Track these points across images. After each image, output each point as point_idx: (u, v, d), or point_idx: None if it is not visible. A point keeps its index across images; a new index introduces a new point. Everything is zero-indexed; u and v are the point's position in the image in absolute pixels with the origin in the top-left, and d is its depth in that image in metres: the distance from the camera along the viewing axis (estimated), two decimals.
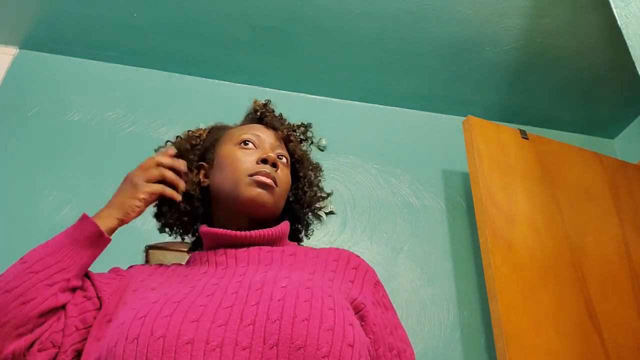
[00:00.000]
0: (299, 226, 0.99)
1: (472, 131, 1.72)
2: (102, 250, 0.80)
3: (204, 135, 0.99)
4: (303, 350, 0.58)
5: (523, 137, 1.83)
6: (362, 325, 0.71)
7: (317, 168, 1.01)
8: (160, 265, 0.86)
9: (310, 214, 1.00)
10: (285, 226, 0.88)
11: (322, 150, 1.99)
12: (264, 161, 0.86)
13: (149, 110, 1.94)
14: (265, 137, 0.92)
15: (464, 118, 1.78)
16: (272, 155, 0.87)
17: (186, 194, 0.89)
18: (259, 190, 0.83)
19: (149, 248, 1.52)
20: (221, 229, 0.84)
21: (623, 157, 2.18)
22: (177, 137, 1.00)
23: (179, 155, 0.93)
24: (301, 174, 0.98)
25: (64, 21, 1.87)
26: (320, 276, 0.76)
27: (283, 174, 0.89)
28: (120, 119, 1.91)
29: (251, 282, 0.68)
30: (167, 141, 1.00)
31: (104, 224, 0.78)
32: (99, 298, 0.76)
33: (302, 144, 1.01)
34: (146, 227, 1.64)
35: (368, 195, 1.93)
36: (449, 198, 1.98)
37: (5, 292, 0.69)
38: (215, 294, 0.67)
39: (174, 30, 1.89)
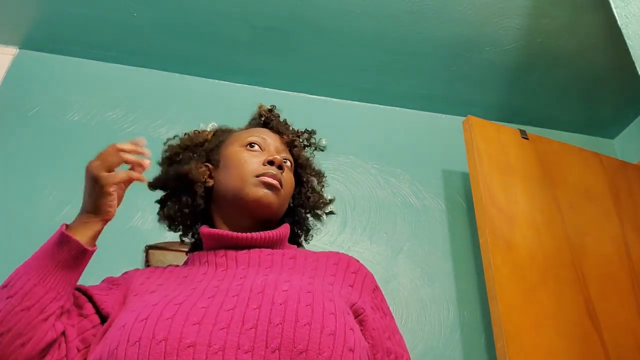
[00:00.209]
0: (299, 231, 1.00)
1: (472, 131, 1.72)
2: (89, 261, 0.76)
3: (209, 136, 0.99)
4: (305, 355, 0.58)
5: (523, 137, 1.83)
6: (360, 330, 0.71)
7: (320, 174, 1.03)
8: (156, 267, 0.86)
9: (310, 218, 1.01)
10: (285, 229, 0.88)
11: (322, 150, 1.98)
12: (271, 163, 0.87)
13: (149, 110, 1.94)
14: (271, 140, 0.93)
15: (464, 118, 1.78)
16: (279, 157, 0.88)
17: (191, 190, 0.89)
18: (265, 190, 0.84)
19: (149, 248, 1.53)
20: (222, 230, 0.84)
21: (623, 157, 2.18)
22: (185, 134, 1.01)
23: (185, 149, 0.94)
24: (304, 179, 0.99)
25: (64, 21, 1.87)
26: (320, 280, 0.76)
27: (288, 177, 0.90)
28: (120, 119, 1.91)
29: (252, 285, 0.68)
30: (175, 135, 1.01)
31: (86, 235, 0.74)
32: (99, 314, 0.74)
33: (305, 150, 1.02)
34: (146, 227, 1.64)
35: (368, 195, 1.93)
36: (449, 198, 1.98)
37: (0, 334, 0.65)
38: (216, 296, 0.67)
39: (174, 30, 1.89)
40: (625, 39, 1.11)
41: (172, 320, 0.62)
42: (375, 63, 1.99)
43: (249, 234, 0.83)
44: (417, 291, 1.75)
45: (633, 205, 1.86)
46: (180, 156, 0.95)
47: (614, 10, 1.16)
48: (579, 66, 1.97)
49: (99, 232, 0.76)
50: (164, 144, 0.99)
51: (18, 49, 1.99)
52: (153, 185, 0.93)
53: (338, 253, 0.86)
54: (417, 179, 2.00)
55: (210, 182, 0.91)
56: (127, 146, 0.78)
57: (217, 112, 1.93)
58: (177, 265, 0.87)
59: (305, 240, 1.01)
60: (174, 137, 1.00)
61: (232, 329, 0.61)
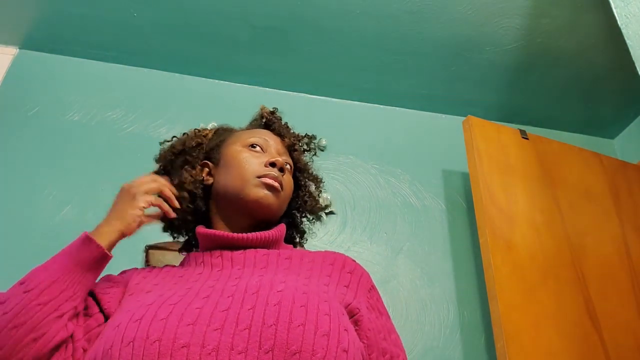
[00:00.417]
0: (295, 233, 1.00)
1: (472, 131, 1.72)
2: (104, 268, 0.79)
3: (210, 134, 1.00)
4: (298, 355, 0.58)
5: (523, 137, 1.83)
6: (356, 330, 0.72)
7: (317, 179, 1.04)
8: (153, 267, 0.87)
9: (306, 220, 1.02)
10: (281, 229, 0.89)
11: (322, 150, 1.99)
12: (273, 165, 0.88)
13: (149, 110, 1.94)
14: (272, 142, 0.94)
15: (464, 118, 1.78)
16: (281, 160, 0.89)
17: (188, 192, 0.90)
18: (266, 191, 0.85)
19: (149, 248, 1.53)
20: (218, 231, 0.85)
21: (623, 157, 2.18)
22: (184, 133, 1.01)
23: (184, 150, 0.94)
24: (302, 183, 1.00)
25: (64, 21, 1.87)
26: (316, 281, 0.76)
27: (288, 180, 0.91)
28: (120, 119, 1.91)
29: (247, 285, 0.68)
30: (173, 136, 1.01)
31: (105, 240, 0.77)
32: (103, 312, 0.75)
33: (304, 154, 1.03)
34: (146, 227, 1.64)
35: (368, 195, 1.93)
36: (449, 198, 1.98)
37: (14, 327, 0.66)
38: (210, 297, 0.67)
39: (174, 30, 1.89)
40: (625, 39, 1.11)
41: (166, 320, 0.62)
42: (375, 63, 1.99)
43: (244, 235, 0.83)
44: (417, 291, 1.75)
45: (633, 205, 1.86)
46: (173, 165, 0.96)
47: (614, 10, 1.16)
48: (579, 66, 1.97)
49: (114, 243, 0.79)
50: (170, 139, 1.00)
51: (18, 49, 1.99)
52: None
53: (334, 253, 0.86)
54: (417, 179, 2.00)
55: (210, 180, 0.91)
56: (163, 180, 0.87)
57: (217, 112, 1.93)
58: (174, 266, 0.88)
59: (300, 242, 1.02)
60: (164, 142, 1.00)
61: (226, 329, 0.61)
